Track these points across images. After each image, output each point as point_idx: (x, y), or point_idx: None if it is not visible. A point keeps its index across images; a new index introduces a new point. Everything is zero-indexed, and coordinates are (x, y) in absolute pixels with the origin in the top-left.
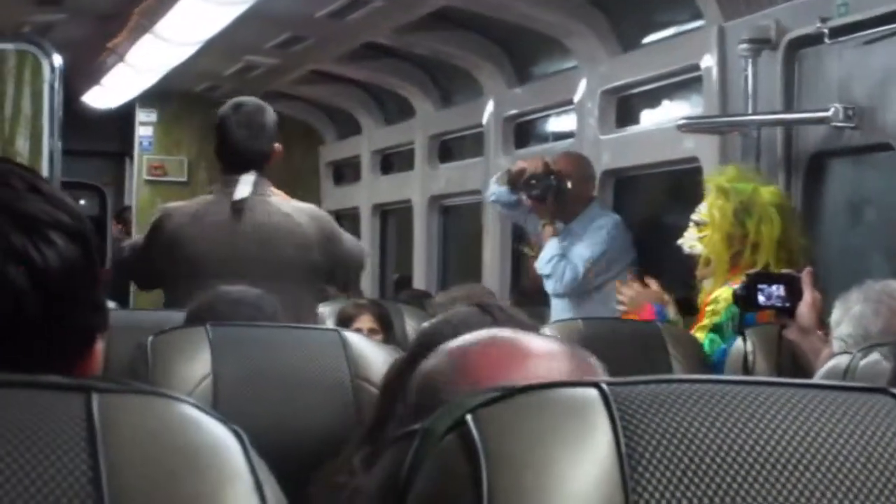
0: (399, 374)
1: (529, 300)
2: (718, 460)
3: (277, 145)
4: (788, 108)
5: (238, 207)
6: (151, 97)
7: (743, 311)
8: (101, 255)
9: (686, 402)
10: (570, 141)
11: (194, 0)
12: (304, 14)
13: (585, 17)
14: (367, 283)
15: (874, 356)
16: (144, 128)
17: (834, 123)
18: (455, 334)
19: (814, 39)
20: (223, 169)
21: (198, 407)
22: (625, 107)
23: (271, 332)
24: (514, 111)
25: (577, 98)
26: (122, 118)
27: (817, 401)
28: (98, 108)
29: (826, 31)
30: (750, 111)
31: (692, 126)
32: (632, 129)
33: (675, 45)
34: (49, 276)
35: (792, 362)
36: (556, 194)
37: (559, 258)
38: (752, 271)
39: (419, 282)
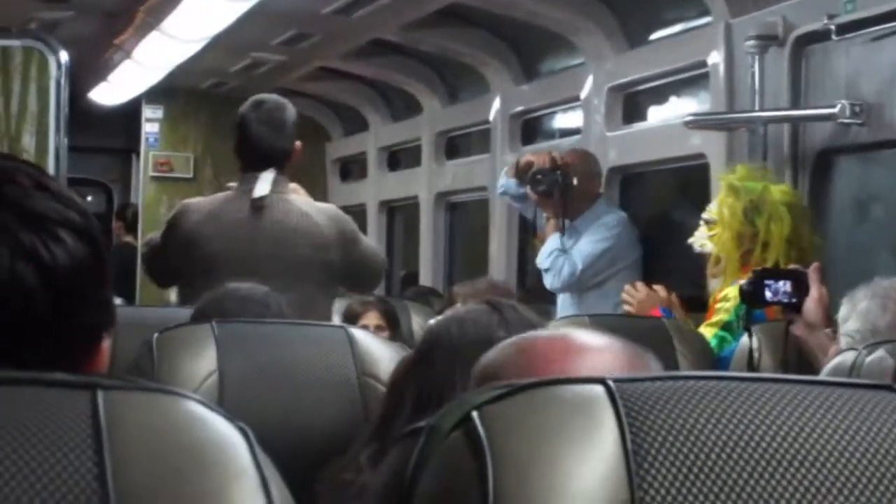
0: (406, 372)
1: (535, 297)
2: (724, 456)
3: (298, 143)
4: (795, 104)
5: (258, 205)
6: (158, 94)
7: (749, 307)
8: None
9: (692, 399)
10: (576, 137)
11: None
12: (310, 10)
13: (592, 14)
14: None
15: (880, 353)
16: (151, 124)
17: (841, 120)
18: (463, 332)
19: (821, 36)
20: (243, 167)
21: (204, 404)
22: (631, 103)
23: (277, 328)
24: (520, 108)
25: (583, 95)
26: (129, 115)
27: (823, 397)
28: (104, 105)
29: (833, 27)
30: (757, 108)
31: (699, 123)
32: (638, 126)
33: (682, 41)
34: (58, 274)
35: (798, 358)
36: (562, 190)
37: (559, 253)
38: (758, 268)
39: (426, 278)
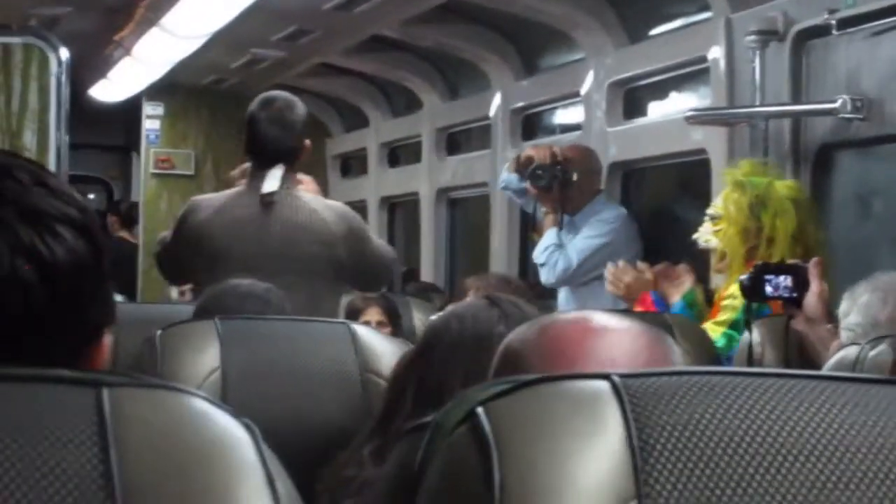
0: (407, 368)
1: (536, 293)
2: (730, 451)
3: (307, 141)
4: (796, 99)
5: (267, 201)
6: (158, 90)
7: (749, 301)
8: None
9: (697, 394)
10: (577, 133)
11: None
12: (310, 7)
13: (593, 9)
14: None
15: (882, 347)
16: (151, 121)
17: (842, 115)
18: (463, 328)
19: (822, 31)
20: (252, 163)
21: (209, 400)
22: (632, 99)
23: (280, 325)
24: (521, 103)
25: (584, 90)
26: (129, 112)
27: (828, 392)
28: (104, 102)
29: (834, 22)
30: (758, 103)
31: (700, 118)
32: (639, 122)
33: (683, 36)
34: (57, 271)
35: (800, 353)
36: (562, 185)
37: (555, 248)
38: (758, 262)
39: (426, 275)
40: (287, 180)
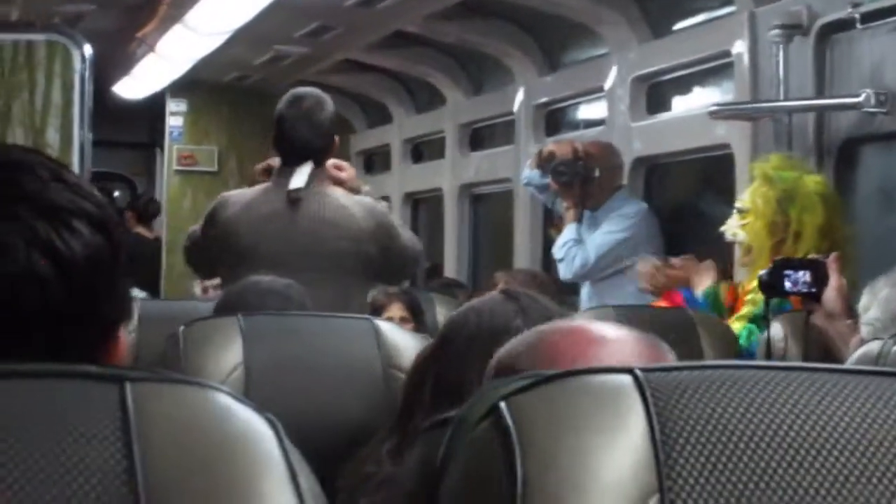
0: (425, 364)
1: (560, 288)
2: (752, 445)
3: (335, 138)
4: (820, 93)
5: (294, 198)
6: (181, 87)
7: (768, 297)
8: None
9: (720, 388)
10: (600, 128)
11: None
12: (333, 2)
13: (616, 4)
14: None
15: None
16: (174, 118)
17: (865, 109)
18: (480, 322)
19: (845, 25)
20: (281, 160)
21: (232, 395)
22: (656, 94)
23: (303, 321)
24: (544, 99)
25: (607, 85)
26: (152, 108)
27: (850, 386)
28: (128, 99)
29: (858, 16)
30: (781, 97)
31: (723, 112)
32: (663, 116)
33: (706, 31)
34: (74, 266)
35: (820, 348)
36: (584, 181)
37: (573, 243)
38: (777, 258)
39: (450, 270)
40: (315, 177)
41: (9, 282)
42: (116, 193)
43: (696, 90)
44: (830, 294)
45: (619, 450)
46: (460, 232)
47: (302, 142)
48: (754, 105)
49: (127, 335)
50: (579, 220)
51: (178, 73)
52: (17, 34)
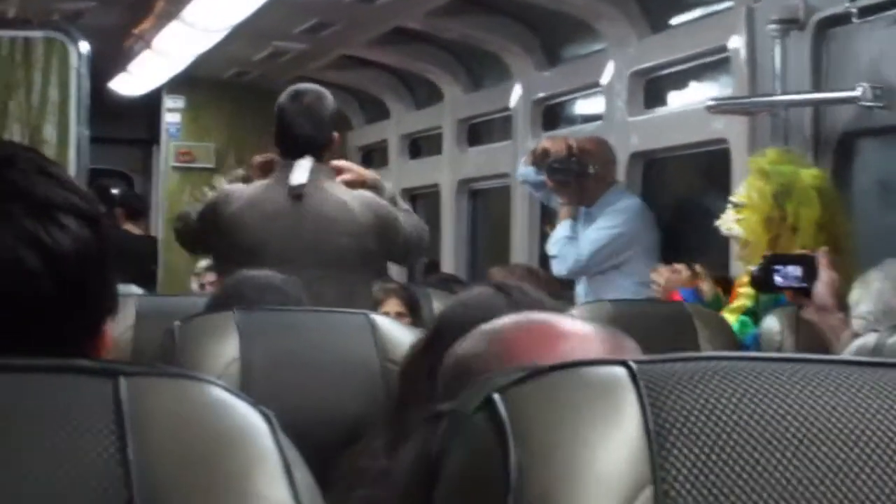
0: (416, 358)
1: (560, 282)
2: (746, 437)
3: (336, 134)
4: (817, 88)
5: (295, 193)
6: (179, 84)
7: (759, 292)
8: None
9: (713, 379)
10: (598, 123)
11: None
12: None
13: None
14: (396, 268)
15: None
16: (172, 114)
17: (863, 103)
18: (471, 316)
19: (842, 19)
20: (281, 155)
21: (227, 389)
22: (653, 88)
23: (299, 316)
24: (542, 94)
25: (605, 80)
26: (150, 105)
27: (845, 377)
28: (125, 95)
29: (855, 10)
30: (779, 92)
31: (721, 107)
32: (660, 111)
33: (704, 26)
34: (61, 259)
35: (812, 342)
36: (578, 178)
37: (567, 240)
38: (768, 252)
39: (448, 266)
40: (315, 172)
41: None
42: (115, 190)
43: (694, 85)
44: (821, 288)
45: (613, 441)
46: (458, 227)
47: (303, 136)
48: (752, 99)
49: (113, 329)
50: (574, 216)
51: (176, 69)
52: (15, 31)
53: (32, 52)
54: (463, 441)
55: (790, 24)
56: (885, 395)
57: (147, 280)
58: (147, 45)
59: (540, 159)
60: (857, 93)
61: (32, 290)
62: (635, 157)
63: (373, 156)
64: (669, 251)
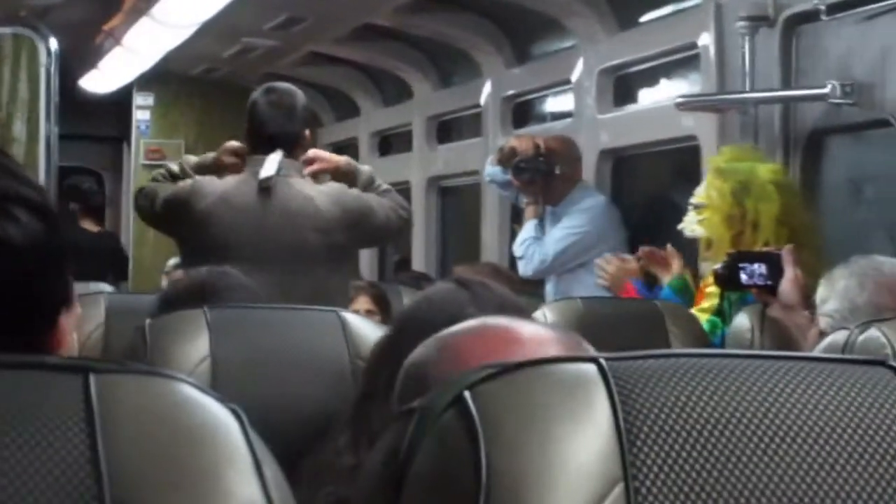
0: (380, 355)
1: (527, 281)
2: (717, 433)
3: (307, 131)
4: (786, 85)
5: (264, 186)
6: (149, 81)
7: (724, 290)
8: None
9: (684, 376)
10: (568, 121)
11: None
12: None
13: None
14: (367, 265)
15: (872, 332)
16: (142, 111)
17: (832, 100)
18: (432, 311)
19: (811, 16)
20: (252, 151)
21: (196, 386)
22: (623, 86)
23: (270, 313)
24: (512, 91)
25: (574, 77)
26: (120, 102)
27: (815, 373)
28: (95, 93)
29: (823, 7)
30: (748, 89)
31: (690, 104)
32: (630, 108)
33: (673, 23)
34: (13, 252)
35: (779, 340)
36: (545, 177)
37: (532, 241)
38: (732, 251)
39: (418, 263)
40: (284, 166)
41: None
42: (85, 185)
43: (663, 82)
44: (786, 286)
45: (584, 438)
46: (428, 225)
47: (273, 127)
48: (721, 97)
49: (83, 326)
50: (540, 216)
51: (146, 66)
52: None
53: (1, 49)
54: (433, 438)
55: (759, 20)
56: (856, 391)
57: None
58: (117, 41)
59: (507, 159)
60: (827, 90)
61: None
62: (605, 154)
63: (343, 153)
64: (640, 247)
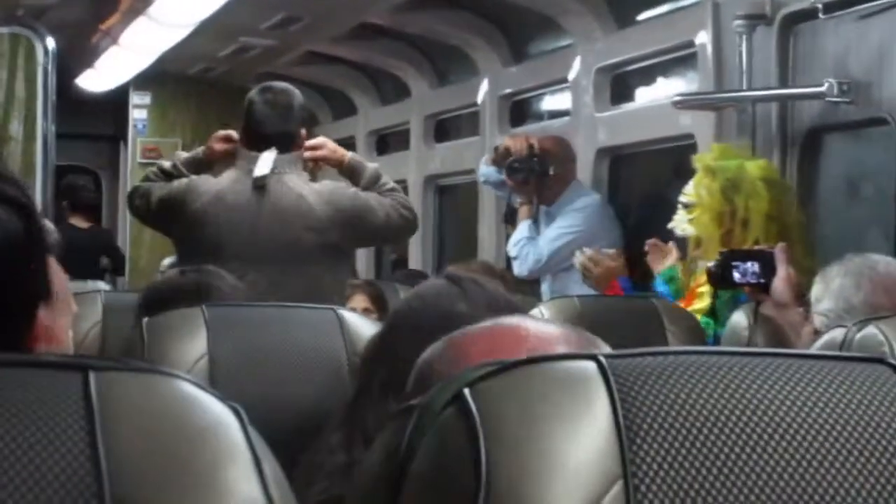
0: (373, 353)
1: (521, 280)
2: (716, 430)
3: (303, 130)
4: (783, 83)
5: (258, 185)
6: (146, 80)
7: (717, 289)
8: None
9: (683, 374)
10: (565, 119)
11: None
12: None
13: None
14: (363, 264)
15: (870, 329)
16: (139, 110)
17: (829, 98)
18: (424, 308)
19: (809, 14)
20: (247, 147)
21: (196, 384)
22: (620, 84)
23: (267, 311)
24: (509, 90)
25: (572, 76)
26: (117, 101)
27: (814, 371)
28: (92, 92)
29: (821, 6)
30: (745, 87)
31: (687, 103)
32: (627, 107)
33: (670, 21)
34: None
35: (771, 338)
36: (539, 178)
37: (526, 241)
38: (725, 249)
39: (415, 262)
40: (279, 164)
41: None
42: (81, 184)
43: (661, 80)
44: (779, 284)
45: (583, 436)
46: (425, 223)
47: (267, 127)
48: (718, 95)
49: (80, 324)
50: (534, 217)
51: (143, 65)
52: None
53: None
54: (432, 435)
55: (757, 19)
56: (854, 388)
57: (97, 274)
58: (114, 41)
59: (501, 159)
60: (824, 88)
61: None
62: (602, 152)
63: None
64: (637, 247)
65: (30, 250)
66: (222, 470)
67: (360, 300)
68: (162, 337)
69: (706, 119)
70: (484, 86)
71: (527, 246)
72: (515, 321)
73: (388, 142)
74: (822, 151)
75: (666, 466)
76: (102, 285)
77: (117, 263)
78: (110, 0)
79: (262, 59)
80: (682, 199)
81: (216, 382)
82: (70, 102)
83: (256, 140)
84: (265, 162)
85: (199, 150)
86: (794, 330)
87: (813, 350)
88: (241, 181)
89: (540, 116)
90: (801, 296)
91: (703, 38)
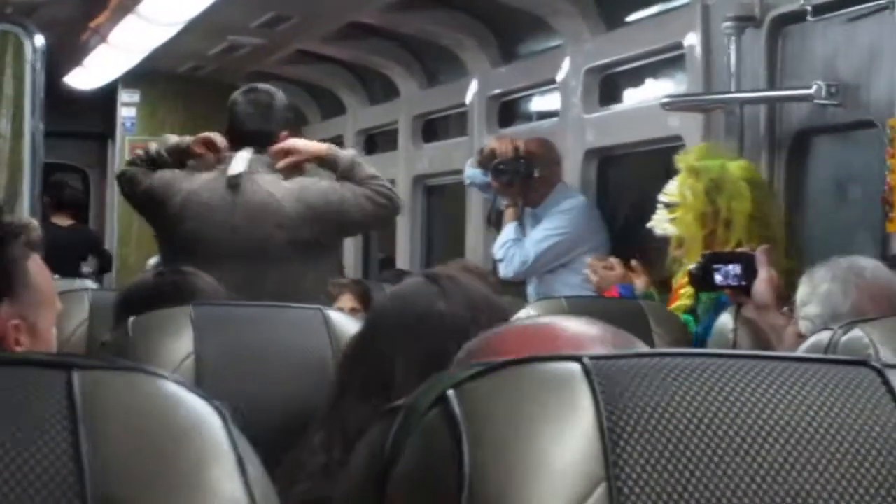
0: (353, 353)
1: (506, 281)
2: (700, 433)
3: (284, 132)
4: (772, 85)
5: (232, 183)
6: (134, 78)
7: (698, 291)
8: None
9: (668, 376)
10: (554, 120)
11: None
12: None
13: None
14: (351, 263)
15: (856, 332)
16: (127, 109)
17: (817, 101)
18: (402, 307)
19: (797, 16)
20: (230, 147)
21: (180, 383)
22: (609, 85)
23: (254, 310)
24: (498, 90)
25: (560, 77)
26: (105, 99)
27: (799, 373)
28: (80, 90)
29: (809, 8)
30: (734, 89)
31: (676, 104)
32: (616, 108)
33: (659, 23)
34: None
35: (754, 341)
36: (524, 180)
37: (512, 243)
38: (707, 252)
39: (402, 262)
40: (254, 164)
41: None
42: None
43: (649, 82)
44: (760, 286)
45: (567, 438)
46: (413, 223)
47: (247, 126)
48: (707, 97)
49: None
50: (520, 219)
51: (132, 63)
52: None
53: None
54: (417, 436)
55: (746, 21)
56: (839, 391)
57: (79, 272)
58: (103, 38)
59: (486, 160)
60: (812, 91)
61: None
62: (591, 153)
63: None
64: (624, 248)
65: None
66: (206, 469)
67: (347, 300)
68: (148, 335)
69: (694, 121)
70: (473, 86)
71: (513, 248)
72: (551, 320)
73: (377, 141)
74: (809, 154)
75: (649, 469)
76: (89, 283)
77: (104, 262)
78: None
79: (252, 57)
80: (663, 198)
81: (203, 382)
82: (58, 100)
83: (238, 140)
84: (240, 161)
85: (186, 139)
86: (775, 332)
87: (798, 353)
88: (217, 179)
89: (529, 117)
90: (783, 297)
91: (692, 39)
